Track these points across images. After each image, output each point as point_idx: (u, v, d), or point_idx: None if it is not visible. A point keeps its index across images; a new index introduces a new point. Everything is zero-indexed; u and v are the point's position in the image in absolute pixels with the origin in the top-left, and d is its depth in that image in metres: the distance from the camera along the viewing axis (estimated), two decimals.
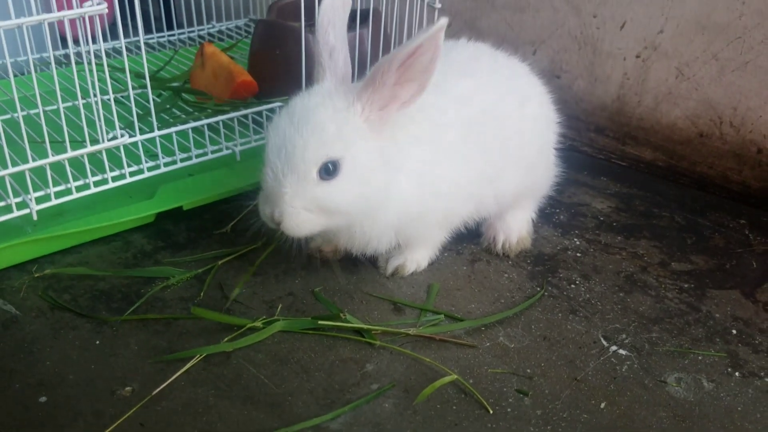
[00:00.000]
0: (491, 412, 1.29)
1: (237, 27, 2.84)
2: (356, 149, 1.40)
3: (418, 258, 1.67)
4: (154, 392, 1.30)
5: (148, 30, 2.66)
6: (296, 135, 1.38)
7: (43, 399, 1.29)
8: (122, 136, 1.67)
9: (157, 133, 1.75)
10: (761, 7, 1.82)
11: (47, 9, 1.59)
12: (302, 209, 1.40)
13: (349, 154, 1.39)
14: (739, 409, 1.32)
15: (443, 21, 1.31)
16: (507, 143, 1.62)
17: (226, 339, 1.43)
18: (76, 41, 1.56)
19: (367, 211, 1.46)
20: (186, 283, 1.62)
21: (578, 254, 1.78)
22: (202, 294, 1.58)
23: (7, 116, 1.93)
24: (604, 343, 1.48)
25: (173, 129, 1.80)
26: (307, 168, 1.38)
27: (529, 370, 1.39)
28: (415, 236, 1.61)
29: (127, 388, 1.32)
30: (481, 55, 1.71)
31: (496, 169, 1.63)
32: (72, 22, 1.52)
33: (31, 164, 1.56)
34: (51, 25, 1.52)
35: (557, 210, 1.96)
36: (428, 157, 1.50)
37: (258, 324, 1.47)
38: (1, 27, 1.41)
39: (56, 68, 1.57)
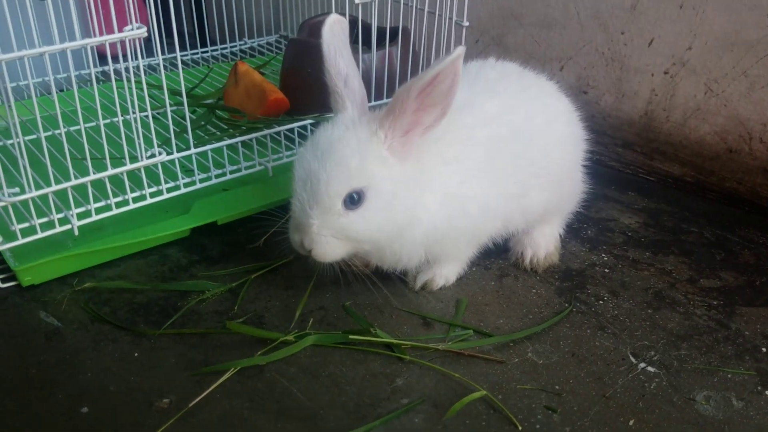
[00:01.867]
0: (520, 428, 1.31)
1: (268, 43, 2.90)
2: (380, 178, 1.44)
3: (446, 273, 1.69)
4: (191, 404, 1.34)
5: (182, 47, 2.73)
6: (320, 169, 1.42)
7: (84, 410, 1.34)
8: (160, 153, 1.73)
9: (193, 150, 1.80)
10: None
11: (86, 31, 1.66)
12: (330, 237, 1.46)
13: (372, 183, 1.43)
14: None
15: (461, 49, 1.33)
16: (534, 162, 1.64)
17: (259, 352, 1.47)
18: (114, 57, 1.62)
19: (395, 235, 1.50)
20: (220, 296, 1.66)
21: (606, 270, 1.79)
22: (236, 308, 1.62)
23: (49, 133, 2.00)
24: (633, 360, 1.49)
25: (209, 147, 1.85)
26: (331, 201, 1.43)
27: (557, 387, 1.41)
28: (443, 253, 1.64)
29: (165, 400, 1.36)
30: (509, 75, 1.73)
31: (524, 188, 1.65)
32: (112, 42, 1.58)
33: (74, 182, 1.61)
34: (93, 57, 1.59)
35: (585, 225, 1.98)
36: (456, 177, 1.53)
37: (290, 338, 1.50)
38: (47, 52, 1.47)
39: (96, 85, 1.62)
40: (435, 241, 1.57)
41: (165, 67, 2.55)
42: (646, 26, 2.09)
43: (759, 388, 1.41)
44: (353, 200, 1.43)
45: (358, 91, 1.54)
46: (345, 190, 1.43)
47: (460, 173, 1.54)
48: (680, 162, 2.16)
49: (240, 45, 2.85)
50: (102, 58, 2.52)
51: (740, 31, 1.91)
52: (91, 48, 1.58)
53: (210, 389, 1.37)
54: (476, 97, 1.62)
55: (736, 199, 2.08)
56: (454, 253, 1.68)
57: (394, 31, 2.13)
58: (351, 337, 1.50)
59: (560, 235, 1.86)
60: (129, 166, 1.68)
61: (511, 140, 1.61)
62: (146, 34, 1.59)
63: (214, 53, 2.80)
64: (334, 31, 1.52)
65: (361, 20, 2.15)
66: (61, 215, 1.64)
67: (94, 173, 1.64)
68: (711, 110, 2.04)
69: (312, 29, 2.30)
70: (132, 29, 1.57)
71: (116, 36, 1.56)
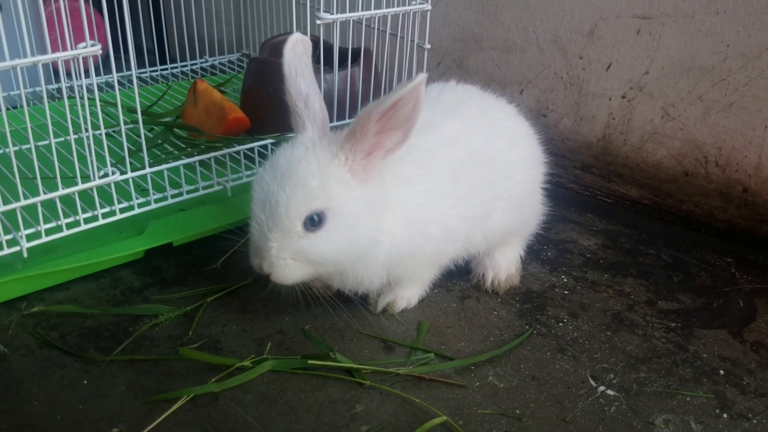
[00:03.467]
0: None
1: (230, 62, 2.87)
2: (341, 199, 1.42)
3: (408, 295, 1.68)
4: None
5: (140, 64, 2.69)
6: (280, 190, 1.40)
7: None
8: (113, 173, 1.68)
9: (148, 170, 1.76)
10: (745, 50, 1.86)
11: (42, 48, 1.62)
12: (290, 259, 1.43)
13: (333, 205, 1.41)
14: None
15: (422, 76, 1.32)
16: (496, 184, 1.65)
17: (214, 379, 1.42)
18: (68, 74, 1.58)
19: (357, 257, 1.48)
20: (174, 320, 1.62)
21: (566, 291, 1.79)
22: (190, 332, 1.57)
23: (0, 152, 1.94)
24: (593, 383, 1.48)
25: (165, 166, 1.81)
26: (291, 223, 1.40)
27: (518, 411, 1.40)
28: (405, 275, 1.62)
29: (114, 430, 1.31)
30: (470, 98, 1.74)
31: (485, 210, 1.64)
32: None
33: (23, 202, 1.56)
34: (47, 74, 1.54)
35: (545, 247, 1.98)
36: (416, 199, 1.52)
37: (246, 363, 1.46)
38: None
39: (48, 102, 1.58)
40: (397, 263, 1.55)
41: (122, 84, 2.52)
42: (603, 51, 2.12)
43: (717, 411, 1.42)
44: (313, 222, 1.41)
45: (318, 111, 1.52)
46: (305, 212, 1.40)
47: (420, 195, 1.53)
48: (638, 185, 2.19)
49: (201, 63, 2.82)
50: (57, 74, 2.47)
51: (696, 56, 1.95)
52: (44, 65, 1.54)
53: (161, 418, 1.33)
54: (437, 119, 1.62)
55: (693, 222, 2.11)
56: (416, 275, 1.66)
57: (356, 52, 2.13)
58: (310, 362, 1.47)
59: (521, 257, 1.86)
60: (81, 186, 1.63)
61: (473, 162, 1.60)
62: (101, 52, 1.55)
63: (174, 71, 2.76)
64: (296, 51, 1.50)
65: (324, 41, 2.14)
66: (9, 236, 1.59)
67: (44, 193, 1.59)
68: (668, 134, 2.07)
69: (273, 48, 2.29)
70: (86, 46, 1.53)
71: (69, 53, 1.52)
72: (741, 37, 1.86)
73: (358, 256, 1.49)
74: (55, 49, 1.52)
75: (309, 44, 1.54)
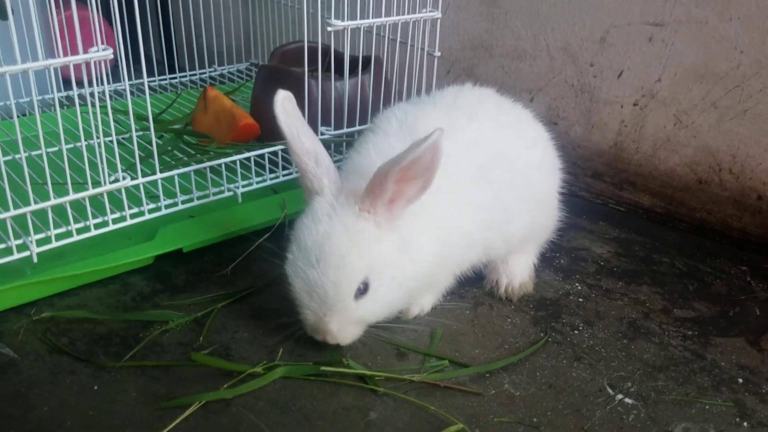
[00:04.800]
0: None
1: (239, 71, 2.87)
2: (377, 258, 1.41)
3: (422, 303, 1.66)
4: None
5: (149, 73, 2.68)
6: (322, 277, 1.38)
7: None
8: (124, 178, 1.67)
9: (159, 175, 1.75)
10: (759, 57, 1.85)
11: (51, 53, 1.61)
12: (351, 327, 1.46)
13: (372, 269, 1.40)
14: None
15: (439, 132, 1.30)
16: (516, 187, 1.64)
17: (225, 385, 1.40)
18: (79, 83, 1.57)
19: (408, 297, 1.53)
20: (185, 327, 1.60)
21: (580, 299, 1.77)
22: (201, 339, 1.55)
23: (9, 157, 1.93)
24: (610, 391, 1.46)
25: (175, 171, 1.80)
26: (345, 303, 1.40)
27: (535, 419, 1.37)
28: (428, 283, 1.60)
29: None
30: (487, 100, 1.73)
31: (507, 214, 1.63)
32: (76, 65, 1.53)
33: (33, 207, 1.55)
34: (56, 73, 1.54)
35: (557, 254, 1.96)
36: (442, 208, 1.50)
37: (258, 369, 1.44)
38: (8, 72, 1.42)
39: (59, 110, 1.57)
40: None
41: (132, 93, 2.52)
42: (615, 58, 2.11)
43: (737, 419, 1.39)
44: (360, 290, 1.41)
45: (329, 166, 1.47)
46: (353, 288, 1.39)
47: (445, 204, 1.51)
48: (650, 193, 2.17)
49: (210, 72, 2.82)
50: (67, 82, 2.47)
51: (709, 63, 1.94)
52: (55, 70, 1.53)
53: (173, 425, 1.30)
54: (455, 124, 1.60)
55: (707, 230, 2.09)
56: (437, 283, 1.64)
57: (366, 61, 2.12)
58: (323, 368, 1.44)
59: (534, 265, 1.84)
60: (91, 191, 1.62)
61: (494, 166, 1.59)
62: (112, 56, 1.55)
63: (183, 79, 2.76)
64: (287, 109, 1.46)
65: (334, 49, 2.14)
66: (19, 241, 1.57)
67: (55, 198, 1.58)
68: (680, 141, 2.06)
69: (284, 56, 2.29)
70: (98, 50, 1.53)
71: (81, 57, 1.51)
72: (755, 44, 1.85)
73: (410, 296, 1.52)
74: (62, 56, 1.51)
75: (294, 100, 1.51)
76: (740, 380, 1.50)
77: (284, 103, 1.47)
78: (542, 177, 1.73)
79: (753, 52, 1.86)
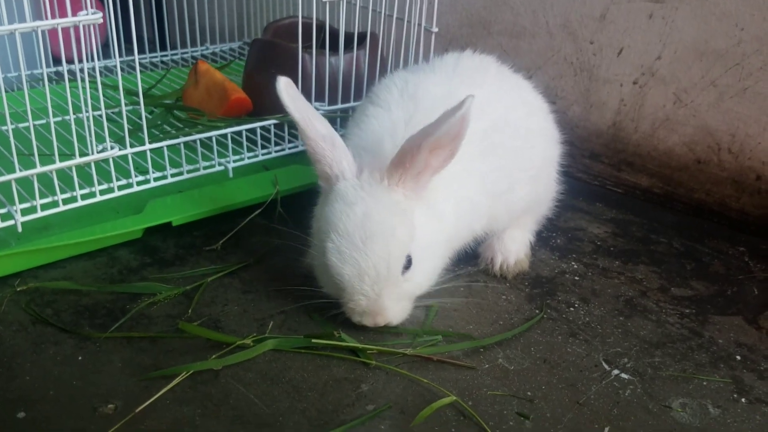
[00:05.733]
0: None
1: (231, 49, 2.83)
2: (416, 229, 1.39)
3: None
4: (138, 410, 1.24)
5: (141, 51, 2.64)
6: (372, 257, 1.34)
7: (21, 415, 1.22)
8: (112, 148, 1.63)
9: (147, 146, 1.71)
10: (760, 33, 1.82)
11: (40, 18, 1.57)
12: (402, 303, 1.44)
13: (414, 239, 1.39)
14: None
15: (470, 99, 1.28)
16: (519, 154, 1.62)
17: (214, 356, 1.37)
18: (69, 61, 1.54)
19: (444, 258, 1.52)
20: (173, 300, 1.56)
21: (576, 278, 1.74)
22: (190, 311, 1.52)
23: None
24: (606, 366, 1.43)
25: (165, 143, 1.76)
26: (398, 280, 1.39)
27: (529, 393, 1.34)
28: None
29: (110, 406, 1.25)
30: (488, 66, 1.71)
31: (510, 181, 1.61)
32: (66, 41, 1.49)
33: (18, 174, 1.51)
34: (44, 39, 1.50)
35: (554, 234, 1.93)
36: (451, 177, 1.47)
37: (248, 342, 1.41)
38: None
39: (48, 85, 1.53)
40: None
41: (123, 69, 2.47)
42: (615, 36, 2.08)
43: (735, 395, 1.37)
44: (405, 264, 1.39)
45: (345, 148, 1.43)
46: (403, 261, 1.38)
47: (450, 174, 1.46)
48: (648, 173, 2.14)
49: (202, 50, 2.77)
50: (57, 61, 2.43)
51: (709, 40, 1.91)
52: (43, 33, 1.49)
53: (159, 394, 1.27)
54: (456, 90, 1.56)
55: (705, 211, 2.06)
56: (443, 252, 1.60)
57: (362, 37, 2.09)
58: (314, 341, 1.41)
59: (530, 242, 1.81)
60: (78, 160, 1.59)
61: (497, 132, 1.57)
62: (102, 20, 1.51)
63: (175, 57, 2.71)
64: (292, 95, 1.42)
65: (329, 25, 2.10)
66: (3, 210, 1.54)
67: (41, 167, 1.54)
68: (680, 120, 2.03)
69: (277, 31, 2.25)
70: (87, 14, 1.49)
71: (69, 20, 1.47)
72: (756, 21, 1.82)
73: (443, 264, 1.52)
74: (55, 36, 1.47)
75: (294, 85, 1.47)
76: (738, 357, 1.48)
77: (287, 89, 1.42)
78: (543, 144, 1.71)
79: (753, 29, 1.83)
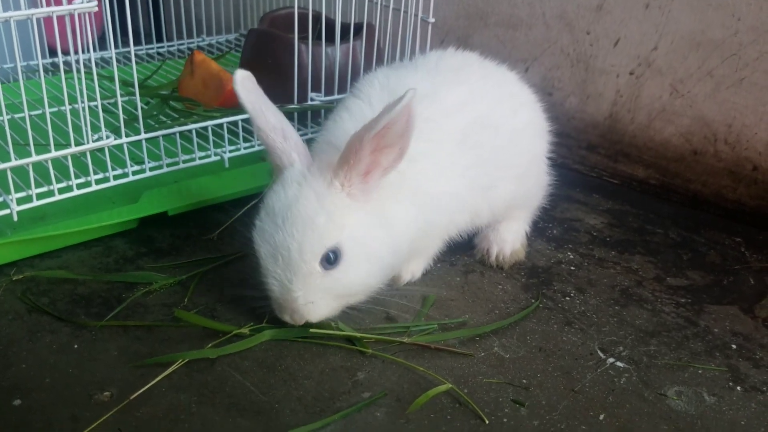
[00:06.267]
0: (487, 422, 1.24)
1: (227, 41, 2.82)
2: (350, 228, 1.35)
3: (413, 268, 1.62)
4: (133, 397, 1.24)
5: (137, 43, 2.63)
6: (288, 238, 1.32)
7: (17, 402, 1.22)
8: (108, 137, 1.63)
9: (143, 135, 1.71)
10: (756, 23, 1.82)
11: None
12: (319, 300, 1.37)
13: (344, 236, 1.34)
14: (742, 423, 1.28)
15: (411, 92, 1.25)
16: (502, 151, 1.60)
17: (210, 345, 1.37)
18: (65, 52, 1.53)
19: (384, 274, 1.44)
20: (169, 289, 1.56)
21: (572, 268, 1.74)
22: (186, 300, 1.52)
23: None
24: (601, 355, 1.43)
25: (160, 132, 1.75)
26: (309, 267, 1.33)
27: (525, 381, 1.35)
28: (415, 250, 1.57)
29: (106, 393, 1.25)
30: (471, 63, 1.69)
31: (491, 179, 1.60)
32: (62, 33, 1.48)
33: (13, 163, 1.51)
34: (39, 28, 1.49)
35: (550, 225, 1.93)
36: (426, 174, 1.47)
37: (244, 331, 1.41)
38: None
39: (44, 76, 1.53)
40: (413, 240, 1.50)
41: (118, 61, 2.47)
42: (612, 26, 2.08)
43: (731, 383, 1.37)
44: (330, 259, 1.34)
45: (299, 141, 1.43)
46: (320, 252, 1.33)
47: (429, 170, 1.47)
48: (644, 164, 2.15)
49: (198, 42, 2.76)
50: (53, 53, 2.42)
51: (706, 30, 1.91)
52: (38, 31, 1.48)
53: (155, 381, 1.27)
54: (438, 88, 1.57)
55: (701, 202, 2.06)
56: (425, 248, 1.61)
57: (358, 27, 2.08)
58: (312, 330, 1.41)
59: (526, 233, 1.81)
60: (74, 149, 1.58)
61: (478, 129, 1.55)
62: (96, 9, 1.50)
63: (171, 48, 2.71)
64: (248, 87, 1.42)
65: (326, 16, 2.10)
66: None
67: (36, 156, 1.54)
68: (676, 111, 2.03)
69: (274, 21, 2.24)
70: (82, 2, 1.48)
71: (65, 8, 1.47)
72: (752, 11, 1.82)
73: (385, 272, 1.44)
74: (51, 28, 1.47)
75: (254, 78, 1.46)
76: (734, 346, 1.48)
77: (244, 82, 1.43)
78: (528, 141, 1.69)
79: (750, 19, 1.83)
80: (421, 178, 1.46)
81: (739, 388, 1.36)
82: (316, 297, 1.36)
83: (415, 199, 1.46)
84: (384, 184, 1.40)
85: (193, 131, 1.81)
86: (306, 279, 1.34)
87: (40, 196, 1.57)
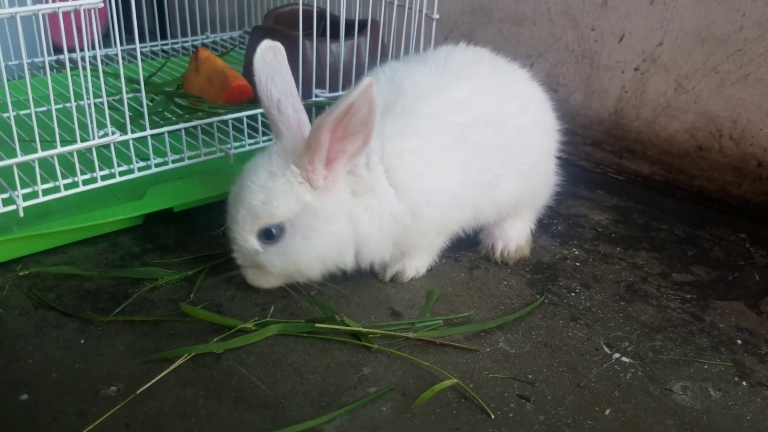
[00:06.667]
0: (492, 417, 1.24)
1: (232, 38, 2.82)
2: (294, 213, 1.39)
3: (416, 264, 1.63)
4: (139, 391, 1.24)
5: (141, 41, 2.63)
6: (237, 204, 1.42)
7: (24, 397, 1.23)
8: (113, 133, 1.63)
9: (148, 132, 1.71)
10: (761, 19, 1.82)
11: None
12: (254, 268, 1.46)
13: (288, 219, 1.40)
14: (748, 417, 1.28)
15: (370, 79, 1.26)
16: (506, 150, 1.59)
17: (216, 339, 1.38)
18: (70, 49, 1.53)
19: (322, 265, 1.46)
20: (175, 285, 1.57)
21: (577, 263, 1.74)
22: (192, 295, 1.53)
23: None
24: (607, 350, 1.43)
25: (166, 129, 1.76)
26: (244, 238, 1.42)
27: (530, 376, 1.35)
28: (414, 245, 1.57)
29: (112, 388, 1.26)
30: (481, 59, 1.69)
31: (495, 176, 1.59)
32: (67, 30, 1.49)
33: (19, 159, 1.51)
34: (44, 25, 1.49)
35: (555, 221, 1.93)
36: (415, 169, 1.47)
37: (250, 325, 1.42)
38: None
39: (49, 73, 1.53)
40: (403, 233, 1.50)
41: (123, 58, 2.47)
42: (616, 22, 2.08)
43: (736, 378, 1.37)
44: (270, 235, 1.41)
45: (292, 115, 1.47)
46: (253, 228, 1.40)
47: (418, 165, 1.47)
48: (649, 160, 2.14)
49: (202, 39, 2.76)
50: (58, 50, 2.42)
51: (711, 26, 1.90)
52: (43, 17, 1.49)
53: (161, 375, 1.28)
54: (444, 82, 1.56)
55: (706, 198, 2.06)
56: (425, 244, 1.61)
57: (362, 24, 2.08)
58: (317, 325, 1.41)
59: (531, 230, 1.81)
60: (79, 145, 1.58)
61: (481, 126, 1.55)
62: (102, 5, 1.50)
63: (175, 46, 2.71)
64: (266, 59, 1.46)
65: (330, 13, 2.10)
66: (5, 195, 1.53)
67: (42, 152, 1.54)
68: (681, 107, 2.03)
69: (277, 19, 2.24)
70: None
71: (70, 4, 1.47)
72: (758, 6, 1.82)
73: (324, 264, 1.46)
74: (56, 25, 1.47)
75: (280, 49, 1.49)
76: (739, 341, 1.48)
77: (265, 53, 1.46)
78: (536, 141, 1.67)
79: (755, 14, 1.83)
80: (410, 172, 1.47)
81: (744, 383, 1.36)
82: (249, 264, 1.46)
83: (402, 194, 1.46)
84: (366, 177, 1.43)
85: (198, 128, 1.81)
86: (243, 248, 1.43)
87: (45, 192, 1.57)
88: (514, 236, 1.74)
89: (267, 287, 1.49)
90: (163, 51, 2.67)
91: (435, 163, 1.49)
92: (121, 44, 1.65)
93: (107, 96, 1.69)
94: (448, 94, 1.55)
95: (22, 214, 1.53)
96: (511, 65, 1.75)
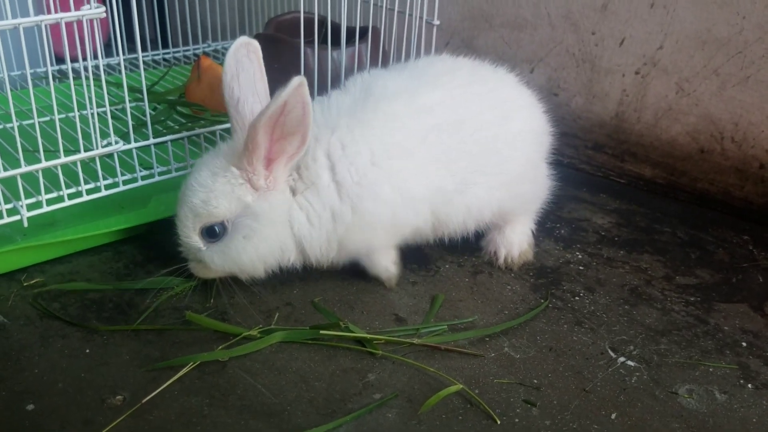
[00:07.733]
0: (498, 422, 1.24)
1: None
2: (237, 212, 1.42)
3: (384, 264, 1.60)
4: (145, 400, 1.24)
5: (143, 50, 2.64)
6: (181, 201, 1.47)
7: (30, 407, 1.23)
8: (116, 143, 1.64)
9: (152, 141, 1.71)
10: (761, 21, 1.82)
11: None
12: (199, 263, 1.50)
13: (228, 217, 1.42)
14: (754, 420, 1.27)
15: (299, 78, 1.28)
16: (475, 157, 1.54)
17: (221, 347, 1.38)
18: (72, 59, 1.54)
19: (262, 264, 1.49)
20: (180, 293, 1.57)
21: (581, 267, 1.74)
22: (196, 303, 1.53)
23: (0, 127, 1.91)
24: (612, 354, 1.43)
25: (169, 137, 1.76)
26: (186, 233, 1.47)
27: (536, 381, 1.35)
28: (361, 243, 1.54)
29: (118, 397, 1.26)
30: (460, 69, 1.65)
31: (461, 183, 1.54)
32: (69, 38, 1.49)
33: (23, 169, 1.52)
34: (47, 36, 1.50)
35: (558, 225, 1.93)
36: (365, 159, 1.45)
37: (254, 333, 1.42)
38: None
39: (52, 84, 1.54)
40: (342, 235, 1.48)
41: (125, 67, 2.48)
42: (617, 26, 2.08)
43: (742, 381, 1.37)
44: (213, 233, 1.44)
45: (248, 117, 1.47)
46: (196, 226, 1.45)
47: (364, 155, 1.45)
48: (651, 164, 2.14)
49: (203, 47, 2.77)
50: (60, 60, 2.43)
51: (711, 29, 1.91)
52: (46, 28, 1.49)
53: (166, 384, 1.28)
54: (413, 88, 1.55)
55: (709, 200, 2.06)
56: (373, 243, 1.56)
57: (363, 31, 2.09)
58: (322, 332, 1.42)
59: (532, 232, 1.80)
60: (83, 154, 1.59)
61: (449, 132, 1.52)
62: (105, 15, 1.51)
63: (177, 54, 2.72)
64: (237, 56, 1.47)
65: (331, 21, 2.10)
66: (9, 206, 1.54)
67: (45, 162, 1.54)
68: (682, 110, 2.03)
69: (278, 26, 2.25)
70: (90, 8, 1.49)
71: (73, 14, 1.48)
72: (758, 8, 1.82)
73: (265, 263, 1.49)
74: (57, 35, 1.47)
75: (255, 47, 1.49)
76: (744, 344, 1.48)
77: (237, 50, 1.47)
78: (520, 149, 1.61)
79: (755, 17, 1.83)
80: (353, 165, 1.45)
81: (750, 385, 1.36)
82: (196, 260, 1.50)
83: (343, 189, 1.45)
84: (311, 170, 1.45)
85: (201, 136, 1.82)
86: (186, 242, 1.48)
87: (50, 202, 1.58)
88: (516, 241, 1.74)
89: (212, 277, 1.53)
90: (165, 60, 2.68)
91: (386, 157, 1.47)
92: (123, 53, 1.65)
93: (110, 105, 1.70)
94: (415, 98, 1.53)
95: (26, 224, 1.53)
96: (497, 71, 1.71)
